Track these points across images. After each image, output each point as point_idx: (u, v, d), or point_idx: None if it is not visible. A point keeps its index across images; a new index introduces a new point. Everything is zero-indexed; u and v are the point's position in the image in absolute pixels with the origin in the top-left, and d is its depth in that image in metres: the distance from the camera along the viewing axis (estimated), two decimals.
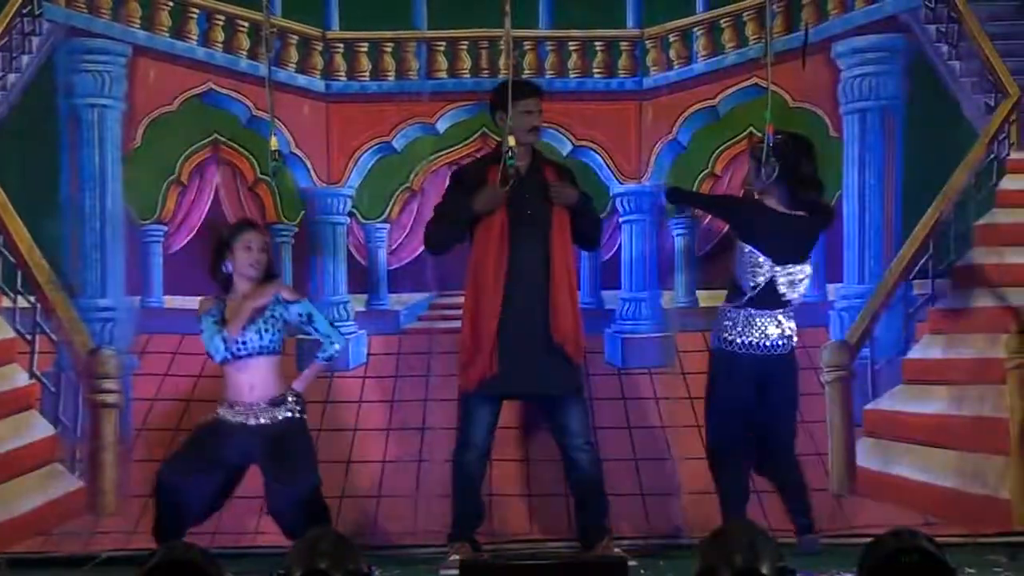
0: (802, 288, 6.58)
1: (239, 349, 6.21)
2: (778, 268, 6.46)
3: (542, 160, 6.57)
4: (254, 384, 6.22)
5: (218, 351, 6.21)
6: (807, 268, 6.57)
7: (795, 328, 6.56)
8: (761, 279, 6.46)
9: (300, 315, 6.32)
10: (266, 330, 6.23)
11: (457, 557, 6.18)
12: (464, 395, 6.40)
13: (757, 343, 6.47)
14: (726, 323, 6.50)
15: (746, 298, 6.47)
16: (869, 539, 4.09)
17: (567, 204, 6.37)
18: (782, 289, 6.49)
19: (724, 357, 6.51)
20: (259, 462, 6.24)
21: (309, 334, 6.46)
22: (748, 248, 6.49)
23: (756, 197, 6.60)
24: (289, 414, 6.25)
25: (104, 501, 6.95)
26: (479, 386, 6.30)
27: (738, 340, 6.47)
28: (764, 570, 4.07)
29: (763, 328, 6.47)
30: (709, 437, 6.59)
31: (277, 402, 6.24)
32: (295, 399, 6.30)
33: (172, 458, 6.34)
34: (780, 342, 6.49)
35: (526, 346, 6.28)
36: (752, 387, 6.47)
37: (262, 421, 6.22)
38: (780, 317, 6.50)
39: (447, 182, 6.68)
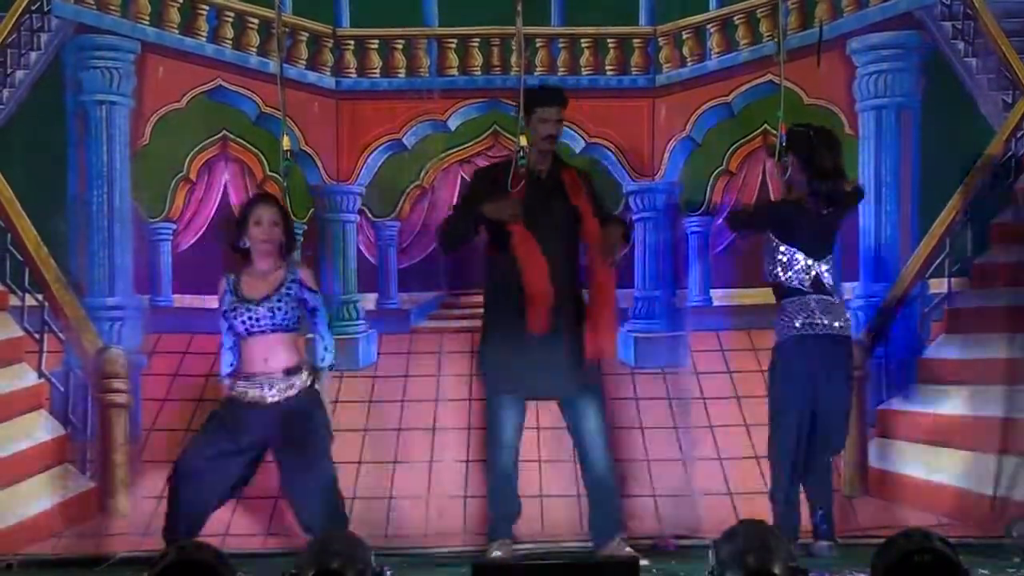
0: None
1: (252, 326, 6.18)
2: (810, 261, 6.45)
3: (561, 164, 6.54)
4: (267, 357, 6.18)
5: (233, 325, 6.21)
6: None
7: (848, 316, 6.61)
8: (803, 275, 6.45)
9: (309, 305, 6.28)
10: (279, 308, 6.19)
11: (499, 553, 6.26)
12: (487, 397, 6.40)
13: (824, 323, 6.43)
14: (784, 317, 6.48)
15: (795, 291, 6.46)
16: (882, 540, 4.07)
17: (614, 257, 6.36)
18: (827, 278, 6.50)
19: (789, 344, 6.45)
20: (273, 446, 6.20)
21: (315, 330, 6.37)
22: (784, 247, 6.47)
23: (792, 198, 6.57)
24: (303, 385, 6.21)
25: (115, 502, 6.92)
26: (503, 388, 6.31)
27: (803, 323, 6.42)
28: (776, 570, 4.08)
29: (823, 311, 6.44)
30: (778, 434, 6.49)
31: (291, 372, 6.20)
32: (309, 371, 6.25)
33: (188, 445, 6.29)
34: (838, 324, 6.47)
35: (549, 350, 6.26)
36: (817, 369, 6.42)
37: (276, 398, 6.16)
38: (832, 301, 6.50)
39: (467, 181, 6.63)
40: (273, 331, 6.17)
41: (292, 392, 6.17)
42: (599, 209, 6.48)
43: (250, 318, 6.16)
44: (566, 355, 6.29)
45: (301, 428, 6.15)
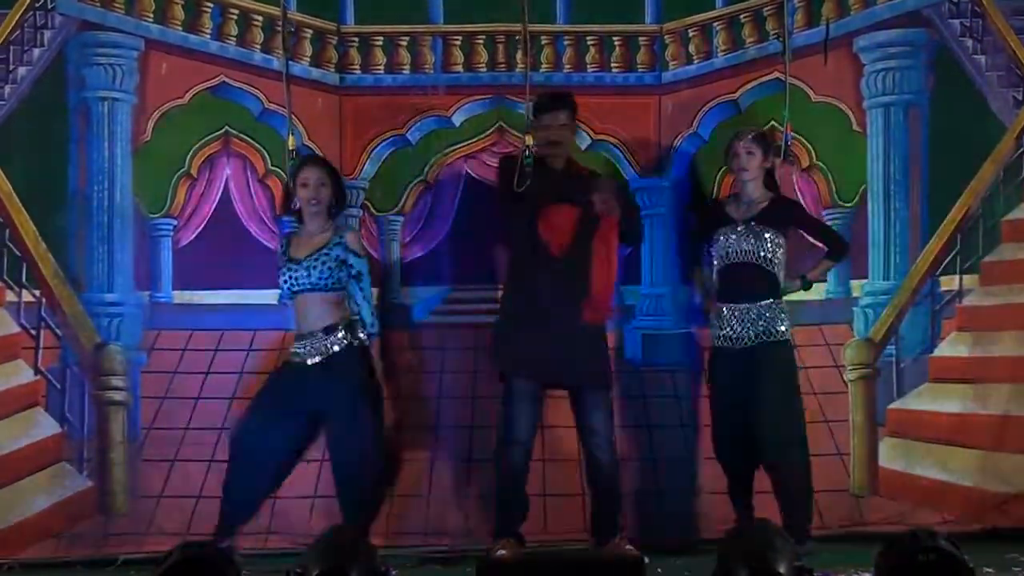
0: None
1: (293, 284, 6.32)
2: None
3: (576, 165, 6.56)
4: (307, 315, 6.30)
5: (280, 286, 6.40)
6: None
7: None
8: None
9: (353, 269, 6.34)
10: (314, 268, 6.29)
11: (504, 552, 6.22)
12: (504, 390, 6.37)
13: None
14: None
15: None
16: (887, 535, 4.05)
17: (612, 213, 6.31)
18: None
19: None
20: (319, 408, 6.24)
21: (351, 295, 6.39)
22: None
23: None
24: (342, 343, 6.27)
25: (114, 502, 6.86)
26: (517, 372, 6.31)
27: None
28: (781, 570, 4.06)
29: None
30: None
31: (330, 330, 6.26)
32: (347, 327, 6.30)
33: (244, 412, 6.38)
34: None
35: (562, 335, 6.25)
36: None
37: (317, 359, 6.25)
38: None
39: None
40: (311, 290, 6.29)
41: (333, 351, 6.25)
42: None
43: (291, 277, 6.32)
44: (581, 345, 6.28)
45: (340, 388, 6.21)
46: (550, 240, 6.31)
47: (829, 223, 6.97)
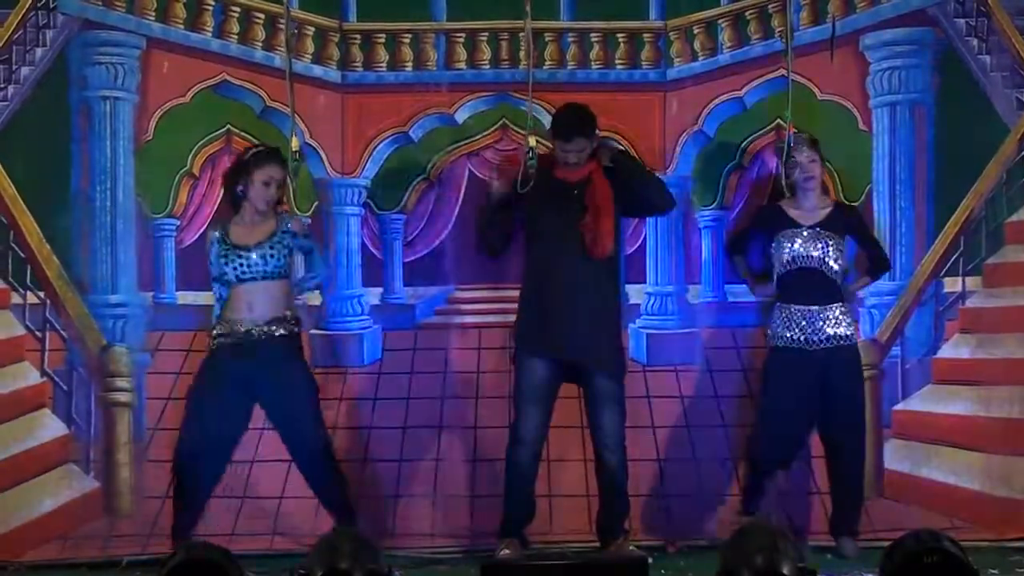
0: None
1: (244, 272, 6.25)
2: None
3: (596, 168, 6.50)
4: (253, 304, 6.25)
5: (224, 273, 6.27)
6: None
7: None
8: None
9: (305, 248, 6.39)
10: (271, 255, 6.26)
11: (508, 552, 6.26)
12: (516, 388, 6.38)
13: None
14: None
15: None
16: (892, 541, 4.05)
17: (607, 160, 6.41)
18: None
19: None
20: (258, 395, 6.25)
21: (311, 267, 6.48)
22: None
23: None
24: (285, 332, 6.26)
25: (120, 502, 6.88)
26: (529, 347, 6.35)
27: None
28: (785, 571, 4.05)
29: None
30: None
31: (274, 321, 6.24)
32: (293, 318, 6.32)
33: (187, 415, 6.35)
34: None
35: (572, 319, 6.29)
36: None
37: (254, 343, 6.22)
38: None
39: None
40: (264, 278, 6.25)
41: (274, 340, 6.21)
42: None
43: (242, 264, 6.25)
44: (592, 328, 6.31)
45: (283, 378, 6.21)
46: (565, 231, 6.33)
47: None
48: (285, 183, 6.39)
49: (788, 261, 6.61)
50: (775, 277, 6.67)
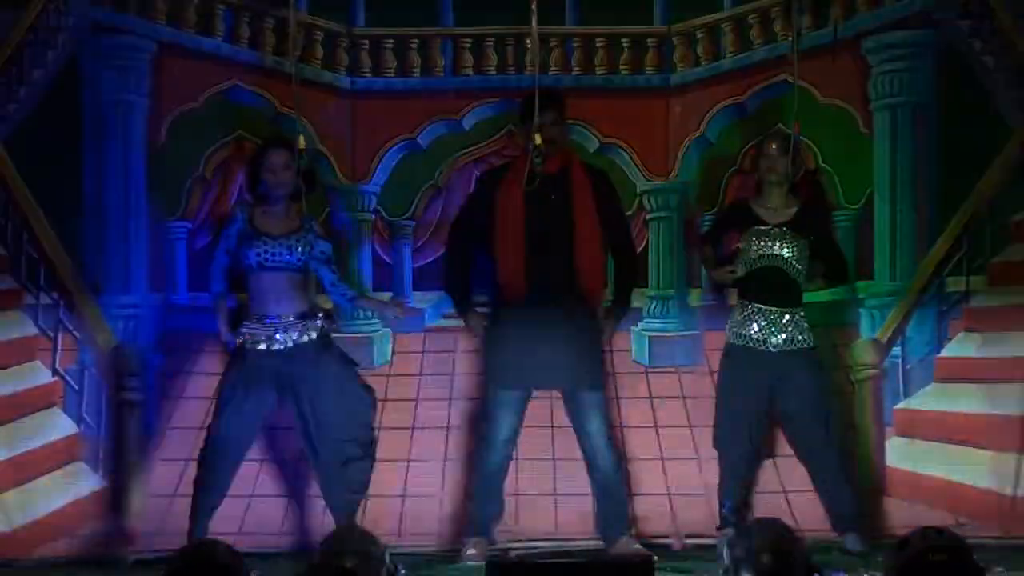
0: None
1: (267, 259, 6.20)
2: None
3: (576, 161, 6.53)
4: (279, 296, 6.20)
5: (245, 256, 6.20)
6: None
7: None
8: None
9: (323, 252, 6.32)
10: (296, 247, 6.22)
11: (474, 551, 6.28)
12: (486, 393, 6.40)
13: None
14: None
15: None
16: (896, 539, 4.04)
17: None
18: None
19: None
20: (286, 398, 6.23)
21: (321, 279, 6.42)
22: None
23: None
24: (315, 333, 6.23)
25: (129, 501, 6.90)
26: (501, 380, 6.30)
27: None
28: (791, 568, 4.04)
29: None
30: None
31: (304, 316, 6.22)
32: (324, 316, 6.29)
33: (216, 412, 6.29)
34: None
35: (548, 340, 6.26)
36: None
37: (287, 344, 6.17)
38: None
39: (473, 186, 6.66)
40: (286, 269, 6.20)
41: (305, 339, 6.19)
42: (612, 214, 6.49)
43: (266, 251, 6.18)
44: (567, 349, 6.28)
45: (317, 380, 6.17)
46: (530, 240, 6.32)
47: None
48: (290, 165, 6.26)
49: (752, 260, 6.53)
50: (738, 275, 6.58)
